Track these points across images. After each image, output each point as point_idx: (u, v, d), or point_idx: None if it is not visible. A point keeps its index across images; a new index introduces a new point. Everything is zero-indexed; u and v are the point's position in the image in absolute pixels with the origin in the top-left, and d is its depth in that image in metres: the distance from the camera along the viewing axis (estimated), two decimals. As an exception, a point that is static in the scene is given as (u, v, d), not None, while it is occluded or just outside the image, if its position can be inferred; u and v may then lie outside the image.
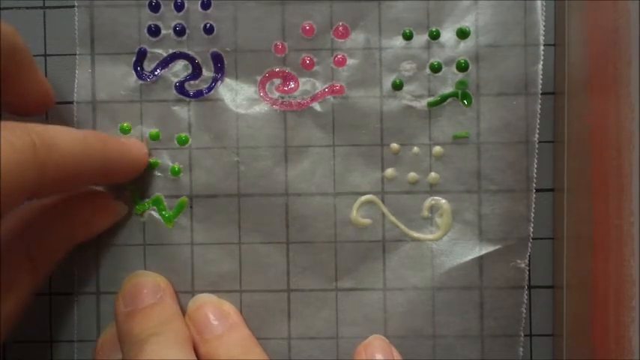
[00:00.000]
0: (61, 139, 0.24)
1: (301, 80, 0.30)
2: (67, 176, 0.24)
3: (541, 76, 0.29)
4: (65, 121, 0.30)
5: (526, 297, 0.29)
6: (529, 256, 0.29)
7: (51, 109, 0.30)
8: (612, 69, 0.24)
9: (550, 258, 0.30)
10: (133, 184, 0.30)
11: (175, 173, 0.30)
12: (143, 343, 0.26)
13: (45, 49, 0.30)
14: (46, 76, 0.30)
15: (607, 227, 0.24)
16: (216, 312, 0.29)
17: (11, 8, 0.30)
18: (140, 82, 0.30)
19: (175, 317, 0.28)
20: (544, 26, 0.29)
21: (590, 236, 0.26)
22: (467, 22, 0.29)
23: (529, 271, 0.30)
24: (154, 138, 0.30)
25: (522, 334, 0.29)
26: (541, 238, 0.30)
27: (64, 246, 0.29)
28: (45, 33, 0.30)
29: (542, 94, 0.29)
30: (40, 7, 0.30)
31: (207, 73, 0.30)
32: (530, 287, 0.30)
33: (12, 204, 0.22)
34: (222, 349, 0.28)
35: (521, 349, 0.29)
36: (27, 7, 0.30)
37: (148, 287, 0.29)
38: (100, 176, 0.27)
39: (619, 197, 0.23)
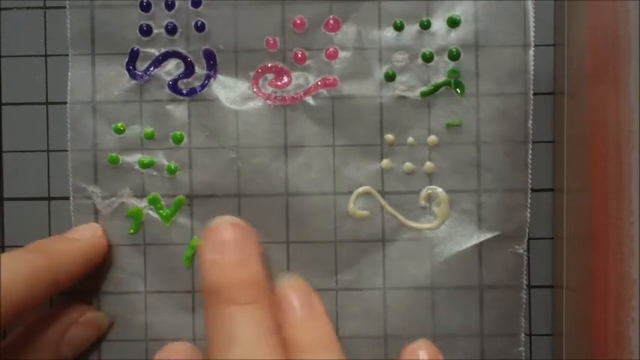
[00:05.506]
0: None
1: (294, 74, 0.30)
2: (17, 313, 0.24)
3: (532, 63, 0.29)
4: (63, 121, 0.30)
5: (526, 296, 0.29)
6: (527, 242, 0.29)
7: (49, 110, 0.30)
8: (612, 69, 0.24)
9: (550, 258, 0.30)
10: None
11: (171, 172, 0.30)
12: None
13: (45, 49, 0.30)
14: (46, 75, 0.30)
15: (606, 227, 0.24)
16: (303, 299, 0.27)
17: (11, 8, 0.30)
18: (133, 81, 0.30)
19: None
20: (535, 26, 0.29)
21: (589, 236, 0.26)
22: (457, 12, 0.29)
23: (529, 271, 0.30)
24: (149, 137, 0.30)
25: (522, 334, 0.29)
26: (541, 238, 0.30)
27: None
28: (45, 33, 0.30)
29: (542, 94, 0.29)
30: (40, 7, 0.30)
31: (200, 70, 0.30)
32: (529, 287, 0.30)
33: None
34: (306, 336, 0.26)
35: (521, 348, 0.29)
36: (27, 7, 0.30)
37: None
38: (55, 288, 0.26)
39: (618, 197, 0.23)
